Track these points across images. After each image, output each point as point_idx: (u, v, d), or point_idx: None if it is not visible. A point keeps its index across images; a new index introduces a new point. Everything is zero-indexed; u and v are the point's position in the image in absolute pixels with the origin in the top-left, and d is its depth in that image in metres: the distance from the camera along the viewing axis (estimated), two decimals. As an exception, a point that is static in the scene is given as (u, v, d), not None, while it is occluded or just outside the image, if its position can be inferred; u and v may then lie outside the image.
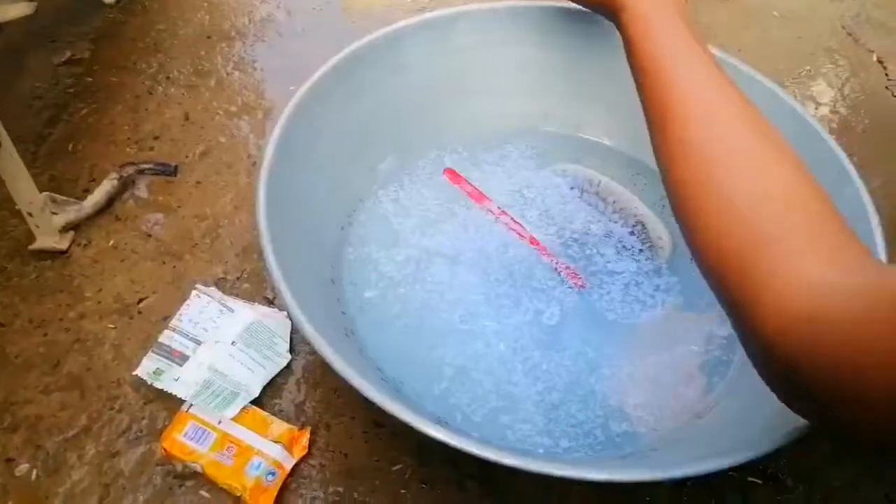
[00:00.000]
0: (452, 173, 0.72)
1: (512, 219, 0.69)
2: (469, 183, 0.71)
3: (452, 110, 0.73)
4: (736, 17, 1.06)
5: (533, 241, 0.67)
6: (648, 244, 0.67)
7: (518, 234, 0.68)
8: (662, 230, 0.67)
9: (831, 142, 0.59)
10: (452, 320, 0.62)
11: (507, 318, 0.62)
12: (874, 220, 0.55)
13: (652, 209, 0.69)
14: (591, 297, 0.64)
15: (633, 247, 0.67)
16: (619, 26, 0.50)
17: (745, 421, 0.50)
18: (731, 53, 0.66)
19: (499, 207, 0.70)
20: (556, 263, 0.66)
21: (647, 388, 0.58)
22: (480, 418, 0.57)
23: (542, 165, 0.74)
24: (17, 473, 0.56)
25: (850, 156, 0.59)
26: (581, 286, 0.64)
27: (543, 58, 0.72)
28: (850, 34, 1.04)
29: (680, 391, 0.58)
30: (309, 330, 0.45)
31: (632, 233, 0.68)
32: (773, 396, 0.34)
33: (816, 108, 0.93)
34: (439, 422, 0.45)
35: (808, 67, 0.98)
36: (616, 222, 0.69)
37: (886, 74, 0.98)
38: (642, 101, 0.46)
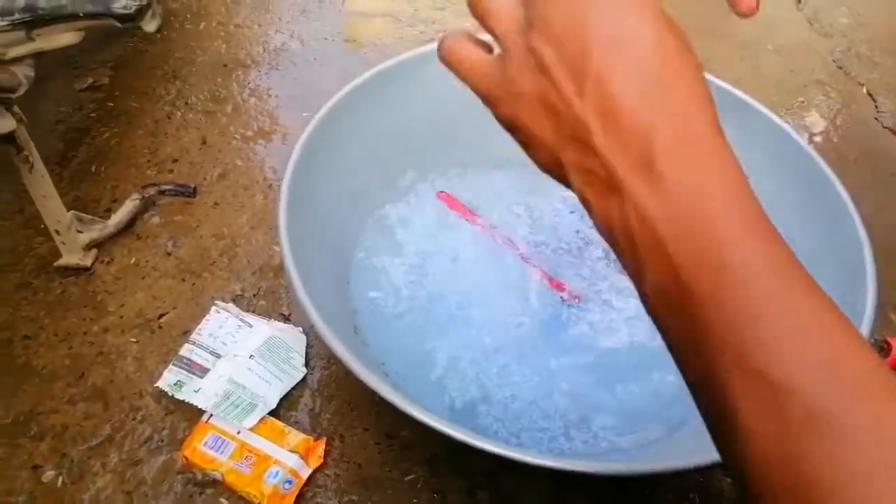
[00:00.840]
0: (446, 196, 0.76)
1: (506, 237, 0.73)
2: (461, 203, 0.76)
3: (472, 132, 0.76)
4: (732, 50, 1.10)
5: (524, 257, 0.71)
6: None
7: (510, 248, 0.72)
8: None
9: (828, 170, 0.63)
10: (450, 306, 0.68)
11: (495, 313, 0.67)
12: (866, 248, 0.58)
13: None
14: (583, 313, 0.67)
15: None
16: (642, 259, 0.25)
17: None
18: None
19: (492, 226, 0.74)
20: (544, 277, 0.69)
21: (616, 406, 0.62)
22: (461, 406, 0.62)
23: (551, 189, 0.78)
24: (44, 480, 0.58)
25: (842, 184, 0.62)
26: (575, 298, 0.68)
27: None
28: (840, 67, 1.08)
29: (651, 408, 0.62)
30: (340, 350, 0.48)
31: None
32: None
33: (811, 138, 0.97)
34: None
35: (801, 99, 1.03)
36: None
37: (876, 106, 1.02)
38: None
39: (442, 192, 0.76)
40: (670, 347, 0.26)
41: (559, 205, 0.76)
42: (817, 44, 1.13)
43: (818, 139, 0.97)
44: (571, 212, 0.76)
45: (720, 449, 0.25)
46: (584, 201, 0.26)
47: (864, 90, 1.05)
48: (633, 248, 0.25)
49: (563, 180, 0.27)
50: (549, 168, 0.28)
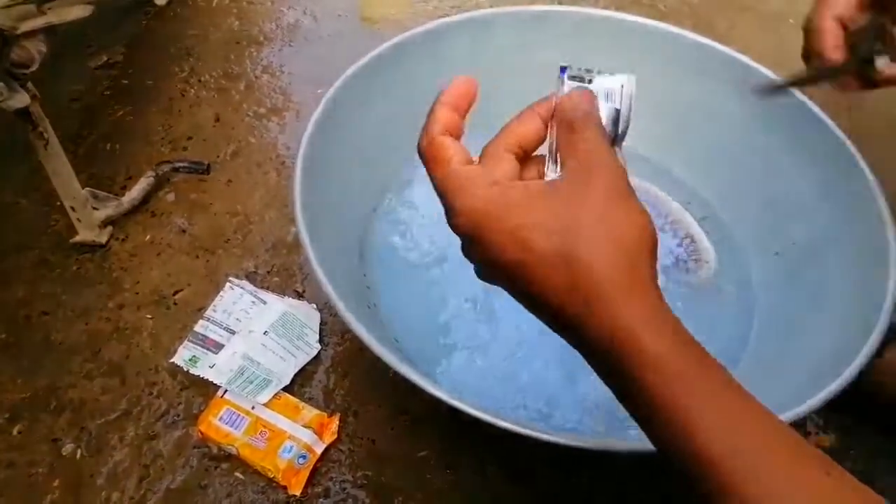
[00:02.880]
0: None
1: None
2: None
3: (490, 108, 0.75)
4: (753, 24, 1.08)
5: None
6: (695, 258, 0.69)
7: None
8: (709, 248, 0.69)
9: (851, 146, 0.61)
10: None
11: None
12: (889, 227, 0.56)
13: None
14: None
15: (678, 259, 0.69)
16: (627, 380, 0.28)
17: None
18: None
19: None
20: None
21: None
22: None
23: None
24: (64, 453, 0.59)
25: (867, 160, 0.61)
26: None
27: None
28: (865, 41, 1.05)
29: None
30: (357, 326, 0.47)
31: (679, 245, 0.70)
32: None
33: (834, 113, 0.94)
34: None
35: (823, 74, 1.00)
36: (667, 232, 0.71)
37: (901, 81, 0.99)
38: None
39: None
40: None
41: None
42: (841, 17, 1.10)
43: (843, 114, 0.94)
44: None
45: None
46: None
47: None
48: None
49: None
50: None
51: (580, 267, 0.27)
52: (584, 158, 0.29)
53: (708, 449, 0.26)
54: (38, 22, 0.51)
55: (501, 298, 0.65)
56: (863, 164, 0.60)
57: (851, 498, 0.26)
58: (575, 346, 0.30)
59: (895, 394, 0.60)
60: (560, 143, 0.31)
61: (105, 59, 0.97)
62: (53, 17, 0.51)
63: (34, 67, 0.54)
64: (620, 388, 0.29)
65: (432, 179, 0.32)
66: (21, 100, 0.56)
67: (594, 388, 0.59)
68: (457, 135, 0.32)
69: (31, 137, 0.63)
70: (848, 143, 0.62)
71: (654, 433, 0.28)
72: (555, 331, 0.30)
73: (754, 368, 0.59)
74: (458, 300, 0.65)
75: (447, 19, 0.70)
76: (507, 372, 0.61)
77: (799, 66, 1.03)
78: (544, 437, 0.43)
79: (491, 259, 0.29)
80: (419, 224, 0.71)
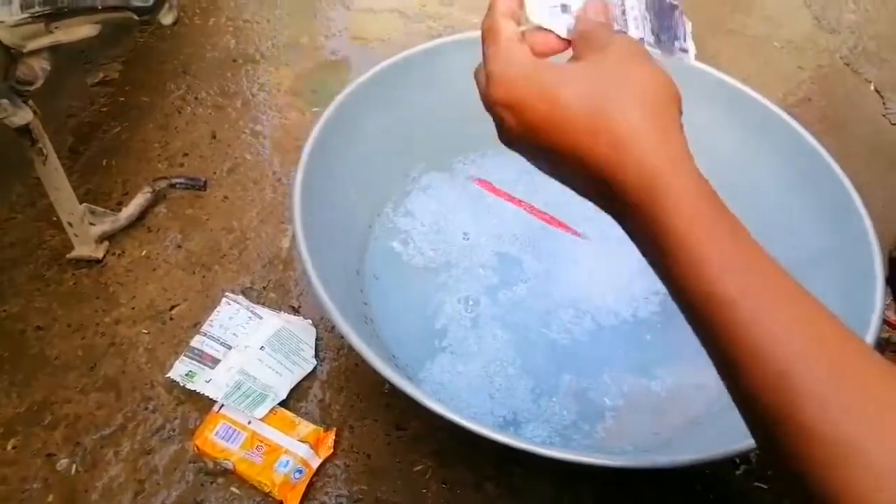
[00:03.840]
0: (484, 183, 0.76)
1: (546, 213, 0.74)
2: (496, 186, 0.76)
3: (487, 128, 0.76)
4: (740, 47, 1.10)
5: (565, 227, 0.73)
6: None
7: (551, 222, 0.73)
8: None
9: (837, 168, 0.63)
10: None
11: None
12: (875, 247, 0.58)
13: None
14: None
15: None
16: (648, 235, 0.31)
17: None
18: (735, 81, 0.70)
19: (530, 205, 0.74)
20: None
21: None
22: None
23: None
24: (58, 468, 0.59)
25: (851, 182, 0.63)
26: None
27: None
28: (847, 64, 1.08)
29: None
30: (356, 341, 0.48)
31: None
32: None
33: (818, 136, 0.97)
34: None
35: (808, 96, 1.03)
36: None
37: (884, 103, 1.02)
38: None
39: (479, 179, 0.77)
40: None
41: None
42: (825, 40, 1.13)
43: (827, 137, 0.97)
44: None
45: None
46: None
47: (872, 87, 1.05)
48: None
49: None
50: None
51: (607, 116, 0.30)
52: (595, 44, 0.32)
53: (721, 288, 0.27)
54: (45, 41, 0.51)
55: (487, 300, 0.67)
56: (849, 185, 0.62)
57: (857, 346, 0.27)
58: (603, 207, 0.32)
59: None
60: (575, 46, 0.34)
61: (102, 76, 0.97)
62: (61, 36, 0.51)
63: (38, 84, 0.54)
64: (647, 234, 0.30)
65: (483, 54, 0.34)
66: (24, 116, 0.57)
67: (559, 406, 0.60)
68: (515, 20, 0.35)
69: (30, 153, 0.64)
70: (835, 165, 0.63)
71: (671, 274, 0.29)
72: (583, 193, 0.32)
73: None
74: (453, 304, 0.67)
75: (444, 39, 0.72)
76: (482, 378, 0.62)
77: (784, 89, 1.05)
78: (542, 451, 0.44)
79: (522, 120, 0.31)
80: (419, 232, 0.72)
